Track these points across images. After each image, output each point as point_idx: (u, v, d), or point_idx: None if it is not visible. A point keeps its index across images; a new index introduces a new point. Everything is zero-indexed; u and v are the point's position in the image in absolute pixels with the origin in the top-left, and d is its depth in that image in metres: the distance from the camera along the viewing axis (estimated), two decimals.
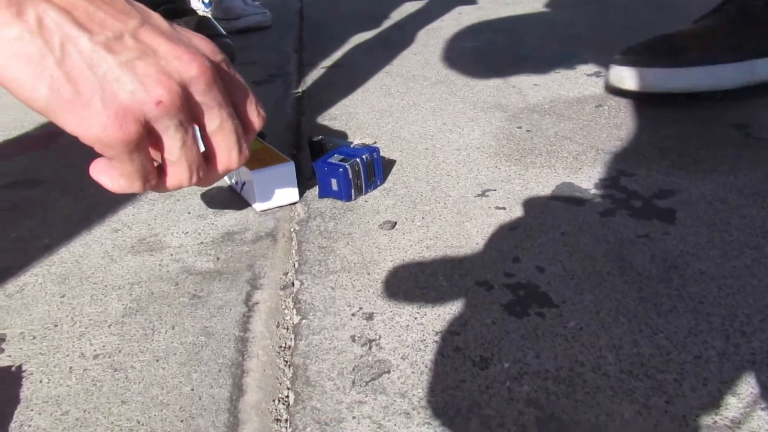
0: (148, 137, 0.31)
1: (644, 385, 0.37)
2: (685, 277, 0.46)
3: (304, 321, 0.46)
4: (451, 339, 0.42)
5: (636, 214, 0.55)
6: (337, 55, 1.20)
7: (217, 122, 0.33)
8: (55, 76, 0.29)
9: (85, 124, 0.30)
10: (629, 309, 0.43)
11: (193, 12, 0.71)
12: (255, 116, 0.36)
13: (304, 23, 1.53)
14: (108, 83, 0.29)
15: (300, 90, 1.02)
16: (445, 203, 0.61)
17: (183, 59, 0.31)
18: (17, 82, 0.29)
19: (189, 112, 0.32)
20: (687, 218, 0.54)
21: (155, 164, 0.34)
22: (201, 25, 0.68)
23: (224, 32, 0.70)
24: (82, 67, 0.29)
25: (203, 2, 1.54)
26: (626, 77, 0.78)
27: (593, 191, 0.60)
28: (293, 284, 0.51)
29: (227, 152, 0.34)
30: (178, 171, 0.33)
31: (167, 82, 0.30)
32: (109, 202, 0.68)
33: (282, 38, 1.39)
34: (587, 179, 0.62)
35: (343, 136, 0.79)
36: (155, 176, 0.33)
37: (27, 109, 1.04)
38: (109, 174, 0.33)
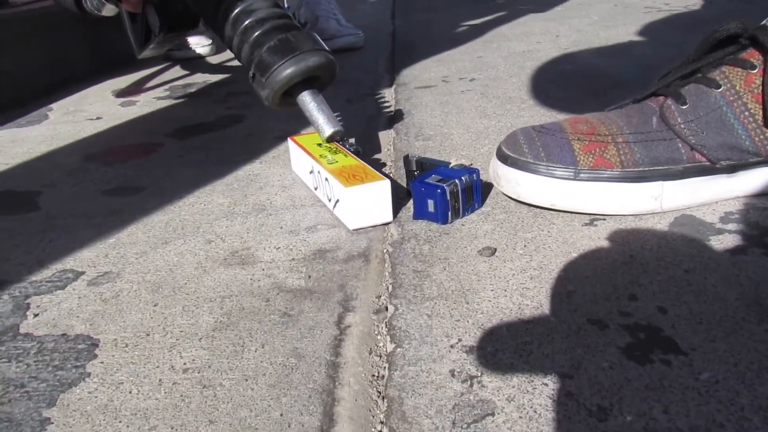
0: None
1: None
2: None
3: (399, 350, 0.43)
4: (562, 382, 0.38)
5: None
6: (430, 75, 1.18)
7: None
8: None
9: None
10: None
11: (300, 27, 0.71)
12: None
13: (396, 44, 1.53)
14: None
15: (392, 109, 1.01)
16: (549, 231, 0.56)
17: None
18: None
19: None
20: None
21: None
22: (303, 39, 0.68)
23: (327, 48, 0.69)
24: None
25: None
26: None
27: (719, 225, 0.54)
28: (387, 309, 0.49)
29: None
30: None
31: None
32: (204, 213, 0.68)
33: (374, 59, 1.39)
34: (711, 212, 0.56)
35: (438, 156, 0.77)
36: None
37: (130, 119, 1.08)
38: None
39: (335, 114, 0.71)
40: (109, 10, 0.88)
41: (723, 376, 0.37)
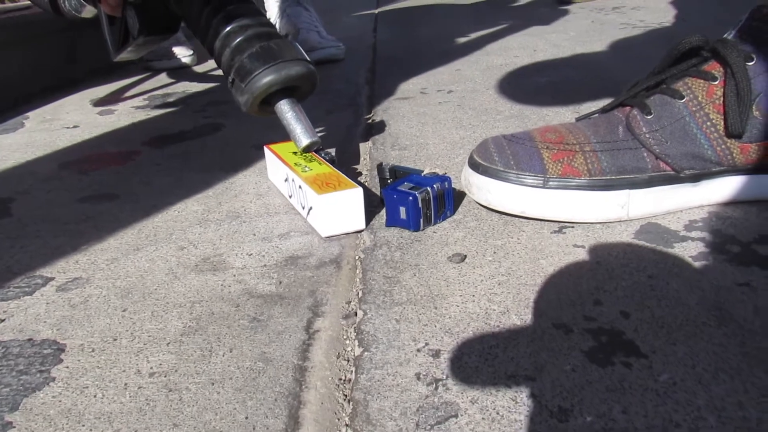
0: None
1: None
2: None
3: (366, 353, 0.44)
4: (525, 384, 0.39)
5: (734, 260, 0.50)
6: (408, 87, 1.19)
7: None
8: None
9: None
10: (731, 365, 0.39)
11: (282, 36, 0.71)
12: None
13: (376, 57, 1.55)
14: None
15: (370, 120, 1.01)
16: (518, 238, 0.57)
17: None
18: None
19: None
20: None
21: None
22: (286, 48, 0.68)
23: (308, 58, 0.70)
24: None
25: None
26: None
27: (683, 233, 0.55)
28: (356, 314, 0.49)
29: None
30: None
31: None
32: (178, 220, 0.68)
33: (354, 71, 1.40)
34: (676, 220, 0.57)
35: (413, 165, 0.77)
36: None
37: (108, 128, 1.08)
38: None
39: (317, 129, 0.71)
40: (88, 12, 0.87)
41: (681, 377, 0.38)
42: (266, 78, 0.67)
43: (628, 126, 0.57)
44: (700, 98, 0.55)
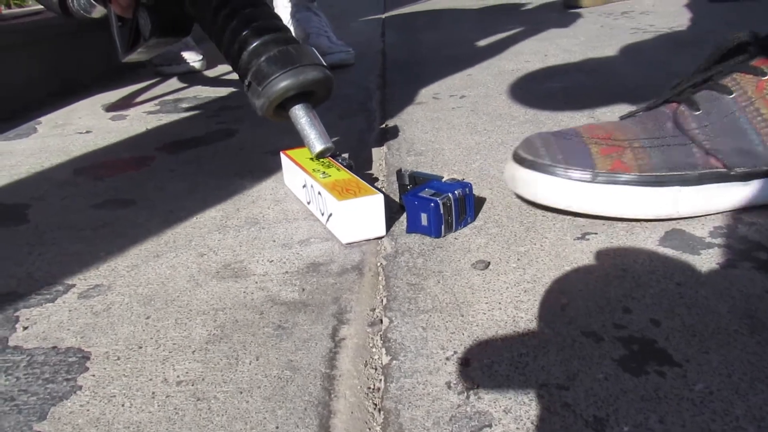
0: None
1: None
2: None
3: (394, 362, 0.43)
4: (558, 394, 0.38)
5: (762, 267, 0.50)
6: (421, 92, 1.19)
7: None
8: None
9: None
10: (767, 374, 0.38)
11: (291, 35, 0.71)
12: None
13: (386, 62, 1.55)
14: None
15: (384, 125, 1.01)
16: (541, 245, 0.57)
17: None
18: None
19: None
20: None
21: None
22: (303, 53, 0.68)
23: (326, 64, 0.70)
24: None
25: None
26: None
27: (708, 240, 0.55)
28: (381, 321, 0.49)
29: None
30: None
31: None
32: (196, 226, 0.68)
33: (365, 76, 1.40)
34: (700, 227, 0.57)
35: (430, 171, 0.77)
36: None
37: (120, 133, 1.08)
38: None
39: (329, 134, 0.71)
40: (98, 12, 0.87)
41: (717, 387, 0.38)
42: (284, 82, 0.67)
43: (676, 122, 0.56)
44: (749, 93, 0.54)
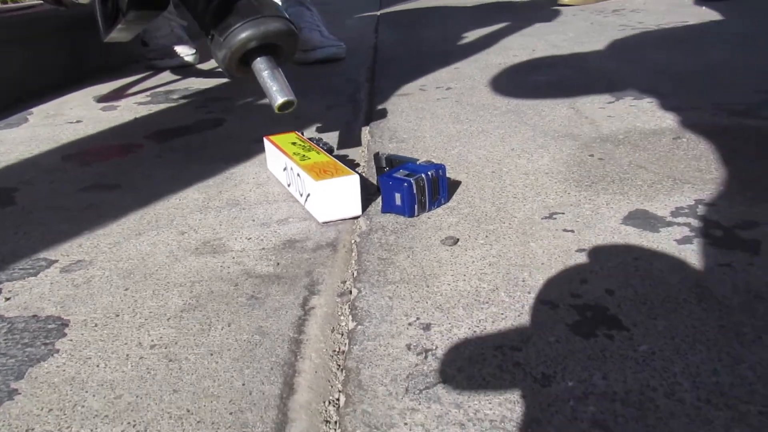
0: None
1: (724, 415, 0.34)
2: None
3: (359, 327, 0.45)
4: (511, 354, 0.40)
5: (716, 243, 0.52)
6: (408, 85, 1.21)
7: None
8: None
9: None
10: (708, 337, 0.40)
11: None
12: None
13: (377, 56, 1.57)
14: None
15: (370, 115, 1.03)
16: (510, 223, 0.59)
17: None
18: None
19: None
20: None
21: None
22: (266, 5, 0.68)
23: (291, 19, 0.69)
24: None
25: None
26: None
27: (669, 218, 0.57)
28: (350, 292, 0.50)
29: None
30: None
31: None
32: (179, 207, 0.70)
33: (355, 69, 1.42)
34: (663, 207, 0.59)
35: (410, 156, 0.79)
36: None
37: (110, 122, 1.10)
38: None
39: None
40: None
41: (660, 348, 0.40)
42: (245, 32, 0.66)
43: None
44: None
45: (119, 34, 0.82)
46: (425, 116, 0.98)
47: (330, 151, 0.71)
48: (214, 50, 0.69)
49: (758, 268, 0.47)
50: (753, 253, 0.49)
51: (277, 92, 0.68)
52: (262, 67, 0.68)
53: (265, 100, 1.06)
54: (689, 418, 0.34)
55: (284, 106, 0.67)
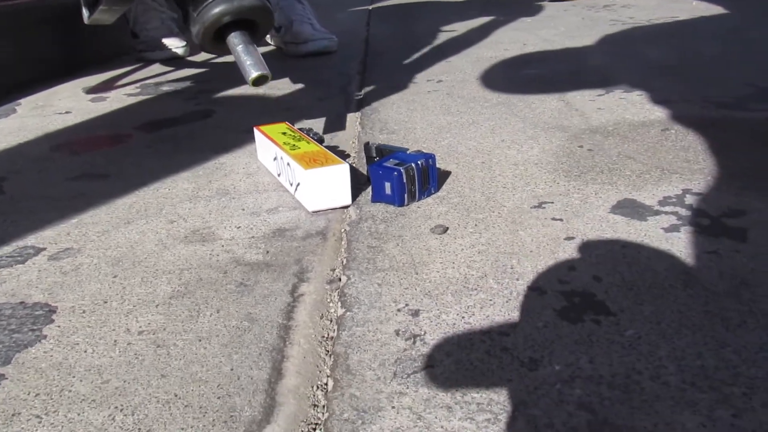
0: None
1: (709, 397, 0.34)
2: (756, 294, 0.43)
3: (348, 313, 0.45)
4: (499, 339, 0.41)
5: (704, 231, 0.52)
6: (399, 77, 1.21)
7: None
8: None
9: None
10: (693, 321, 0.40)
11: None
12: None
13: (369, 49, 1.56)
14: None
15: (361, 107, 1.03)
16: (499, 213, 0.59)
17: None
18: None
19: None
20: (760, 238, 0.50)
21: None
22: None
23: None
24: None
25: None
26: None
27: (657, 207, 0.57)
28: (340, 279, 0.51)
29: None
30: None
31: None
32: (168, 197, 0.70)
33: (347, 62, 1.41)
34: (650, 196, 0.59)
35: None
36: None
37: (99, 113, 1.09)
38: None
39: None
40: None
41: (646, 332, 0.40)
42: (218, 7, 0.66)
43: None
44: None
45: (101, 16, 0.81)
46: (416, 108, 0.98)
47: (320, 141, 0.71)
48: (190, 27, 0.68)
49: (744, 255, 0.48)
50: (740, 241, 0.50)
51: (251, 66, 0.67)
52: (236, 42, 0.68)
53: (256, 91, 1.06)
54: (674, 401, 0.34)
55: (258, 80, 0.67)
